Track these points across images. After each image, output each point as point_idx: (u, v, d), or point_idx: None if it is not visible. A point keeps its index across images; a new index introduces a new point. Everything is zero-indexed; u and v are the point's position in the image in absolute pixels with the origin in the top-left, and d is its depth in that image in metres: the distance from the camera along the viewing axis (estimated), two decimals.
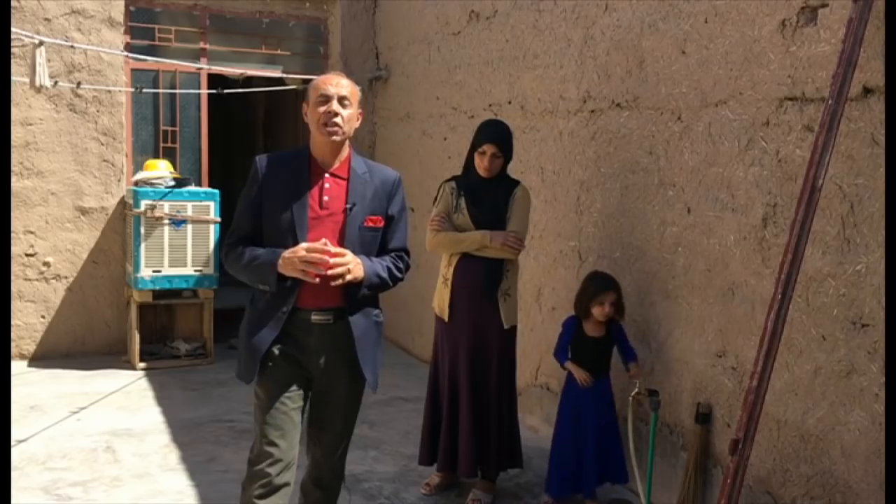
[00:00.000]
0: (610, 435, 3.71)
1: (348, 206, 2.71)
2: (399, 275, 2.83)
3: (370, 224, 2.76)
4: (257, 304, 2.75)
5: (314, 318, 2.69)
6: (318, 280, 2.57)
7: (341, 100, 2.68)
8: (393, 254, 2.84)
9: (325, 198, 2.71)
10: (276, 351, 2.70)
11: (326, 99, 2.67)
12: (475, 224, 3.70)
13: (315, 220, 2.69)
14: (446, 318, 3.76)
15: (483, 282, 3.68)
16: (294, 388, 2.72)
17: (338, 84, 2.71)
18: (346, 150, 2.78)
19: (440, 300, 3.80)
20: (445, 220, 3.75)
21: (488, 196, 3.72)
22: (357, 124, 2.77)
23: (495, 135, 3.72)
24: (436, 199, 3.85)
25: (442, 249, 3.78)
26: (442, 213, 3.77)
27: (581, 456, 3.66)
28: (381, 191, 2.80)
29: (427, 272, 5.98)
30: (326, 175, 2.74)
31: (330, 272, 2.57)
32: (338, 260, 2.58)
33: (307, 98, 2.74)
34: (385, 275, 2.76)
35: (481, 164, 3.70)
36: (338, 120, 2.66)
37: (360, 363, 2.74)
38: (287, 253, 2.59)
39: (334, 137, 2.68)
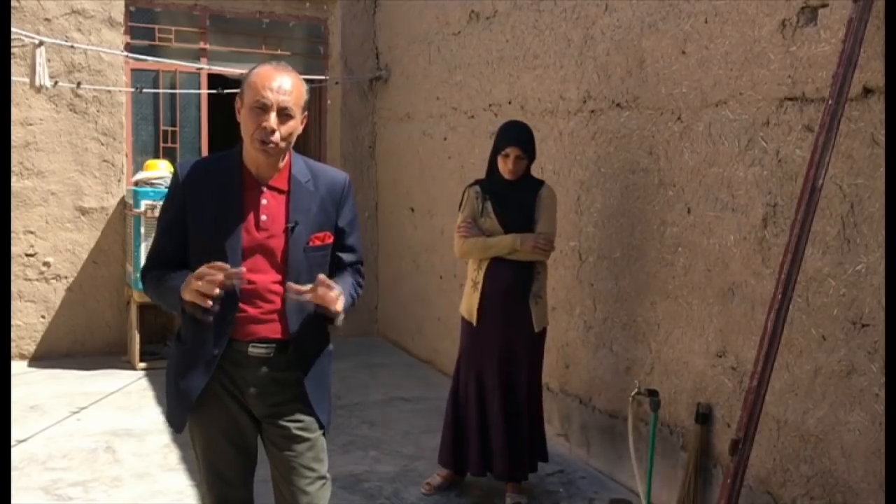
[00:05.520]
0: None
1: (290, 224, 2.25)
2: (358, 293, 2.43)
3: (317, 243, 2.30)
4: (185, 341, 2.31)
5: (251, 350, 2.26)
6: (212, 306, 2.09)
7: (282, 111, 2.18)
8: (351, 269, 2.44)
9: (263, 217, 2.24)
10: (209, 392, 2.28)
11: (264, 109, 2.17)
12: (504, 227, 3.67)
13: (251, 246, 2.24)
14: (475, 322, 3.74)
15: (514, 285, 3.67)
16: (238, 429, 2.35)
17: (279, 89, 2.18)
18: (285, 157, 2.30)
19: (469, 304, 3.77)
20: (473, 226, 3.72)
21: (514, 198, 3.70)
22: (301, 129, 2.29)
23: (518, 136, 3.69)
24: (461, 204, 3.83)
25: (472, 255, 3.75)
26: (468, 218, 3.74)
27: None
28: (328, 200, 2.33)
29: (427, 272, 6.01)
30: (263, 189, 2.27)
31: (321, 300, 2.15)
32: (333, 293, 2.17)
33: (241, 93, 2.24)
34: (353, 299, 2.38)
35: (505, 167, 3.67)
36: (275, 138, 2.18)
37: (312, 403, 2.34)
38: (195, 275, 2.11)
39: (268, 156, 2.23)
